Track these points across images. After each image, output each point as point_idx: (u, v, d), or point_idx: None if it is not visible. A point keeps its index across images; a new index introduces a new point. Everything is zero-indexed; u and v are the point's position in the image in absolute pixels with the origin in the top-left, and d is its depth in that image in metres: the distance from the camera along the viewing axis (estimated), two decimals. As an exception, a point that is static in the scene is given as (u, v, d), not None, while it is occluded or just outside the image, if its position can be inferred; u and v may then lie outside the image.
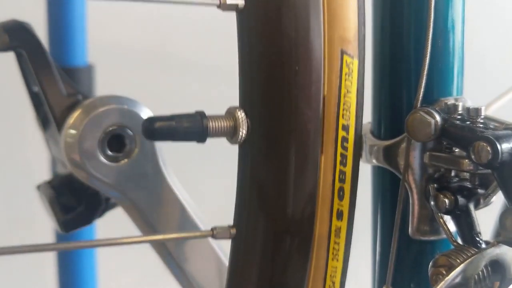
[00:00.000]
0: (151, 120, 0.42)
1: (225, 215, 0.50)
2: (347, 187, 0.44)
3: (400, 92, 0.47)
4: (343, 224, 0.45)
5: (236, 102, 0.44)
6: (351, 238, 0.45)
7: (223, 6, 0.42)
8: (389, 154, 0.47)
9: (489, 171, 0.41)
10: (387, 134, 0.48)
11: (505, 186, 0.40)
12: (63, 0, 0.72)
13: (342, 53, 0.42)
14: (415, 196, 0.46)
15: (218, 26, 0.87)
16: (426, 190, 0.45)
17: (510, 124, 0.43)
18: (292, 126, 0.42)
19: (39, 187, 0.58)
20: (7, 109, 0.96)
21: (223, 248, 0.56)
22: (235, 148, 0.44)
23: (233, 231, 0.44)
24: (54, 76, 0.52)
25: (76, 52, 0.72)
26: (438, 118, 0.43)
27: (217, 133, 0.42)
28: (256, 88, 0.42)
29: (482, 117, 0.43)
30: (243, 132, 0.42)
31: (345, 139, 0.43)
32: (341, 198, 0.44)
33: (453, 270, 0.41)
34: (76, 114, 0.52)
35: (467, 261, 0.41)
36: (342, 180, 0.43)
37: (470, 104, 0.46)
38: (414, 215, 0.46)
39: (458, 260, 0.41)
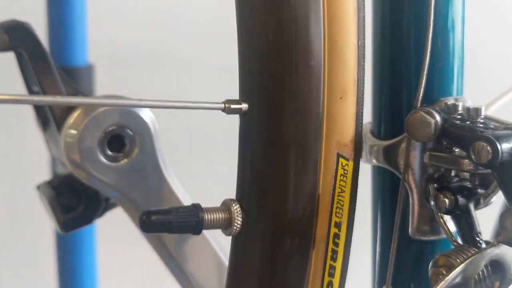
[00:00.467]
0: (148, 213, 0.43)
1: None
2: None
3: (400, 92, 0.47)
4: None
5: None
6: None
7: (228, 110, 0.43)
8: (389, 154, 0.47)
9: (489, 171, 0.41)
10: (387, 134, 0.48)
11: (505, 186, 0.40)
12: (63, 0, 0.72)
13: (338, 156, 0.44)
14: (415, 196, 0.46)
15: (218, 26, 0.87)
16: (426, 190, 0.45)
17: (510, 124, 0.43)
18: (286, 224, 0.43)
19: (39, 187, 0.58)
20: (7, 109, 0.96)
21: (223, 248, 0.56)
22: (235, 148, 0.44)
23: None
24: (54, 76, 0.52)
25: (76, 52, 0.72)
26: (438, 118, 0.43)
27: (213, 226, 0.44)
28: (253, 182, 0.44)
29: (482, 117, 0.43)
30: (237, 225, 0.44)
31: (336, 236, 0.44)
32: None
33: (453, 270, 0.41)
34: (76, 114, 0.52)
35: (467, 261, 0.41)
36: (331, 275, 0.45)
37: (470, 104, 0.46)
38: (414, 215, 0.46)
39: (458, 260, 0.41)
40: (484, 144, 0.40)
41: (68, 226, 0.55)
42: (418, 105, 0.44)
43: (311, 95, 0.42)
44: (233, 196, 0.45)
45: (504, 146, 0.40)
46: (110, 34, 0.99)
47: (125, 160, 0.52)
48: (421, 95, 0.44)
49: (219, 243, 0.56)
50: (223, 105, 0.43)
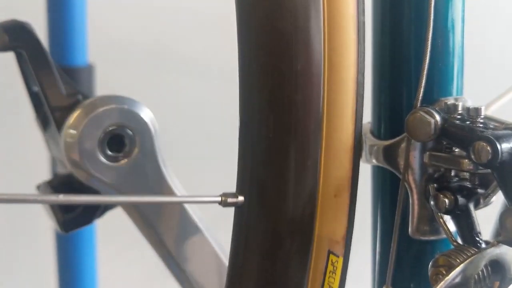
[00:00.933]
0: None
1: (225, 215, 0.50)
2: (346, 198, 0.45)
3: (400, 92, 0.47)
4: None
5: (236, 102, 0.44)
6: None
7: (224, 203, 0.44)
8: (389, 154, 0.47)
9: (489, 171, 0.41)
10: (387, 134, 0.48)
11: (505, 186, 0.40)
12: (63, 0, 0.72)
13: (329, 253, 0.45)
14: (415, 196, 0.46)
15: (218, 26, 0.87)
16: (426, 190, 0.45)
17: (510, 124, 0.43)
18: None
19: (39, 187, 0.58)
20: (7, 109, 0.96)
21: (223, 248, 0.56)
22: (235, 148, 0.44)
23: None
24: (54, 76, 0.52)
25: (76, 52, 0.72)
26: (438, 118, 0.43)
27: None
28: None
29: (482, 117, 0.43)
30: None
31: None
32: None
33: (453, 270, 0.41)
34: (76, 114, 0.52)
35: (467, 261, 0.41)
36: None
37: (470, 104, 0.46)
38: (414, 215, 0.46)
39: (458, 260, 0.41)
40: (484, 144, 0.40)
41: (68, 226, 0.55)
42: (418, 105, 0.44)
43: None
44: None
45: (504, 146, 0.40)
46: (110, 34, 0.99)
47: (125, 160, 0.52)
48: (421, 95, 0.44)
49: (219, 243, 0.56)
50: (220, 198, 0.43)
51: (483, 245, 0.43)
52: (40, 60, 0.52)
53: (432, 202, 0.44)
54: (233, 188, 0.45)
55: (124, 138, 0.52)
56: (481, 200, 0.44)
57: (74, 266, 0.76)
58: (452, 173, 0.45)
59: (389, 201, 0.49)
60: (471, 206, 0.44)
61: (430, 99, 0.46)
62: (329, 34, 0.42)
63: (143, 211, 0.54)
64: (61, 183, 0.56)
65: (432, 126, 0.43)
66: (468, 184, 0.44)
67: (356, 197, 0.45)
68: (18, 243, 1.04)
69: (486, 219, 0.45)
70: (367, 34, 0.44)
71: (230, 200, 0.44)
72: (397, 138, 0.46)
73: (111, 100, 0.52)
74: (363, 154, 0.48)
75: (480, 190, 0.44)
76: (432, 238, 0.47)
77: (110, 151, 0.52)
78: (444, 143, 0.44)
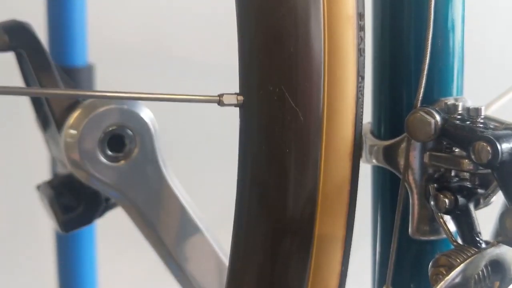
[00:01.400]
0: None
1: (226, 215, 0.50)
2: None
3: (400, 92, 0.47)
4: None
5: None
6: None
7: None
8: (389, 154, 0.47)
9: (489, 171, 0.41)
10: (387, 134, 0.48)
11: (505, 186, 0.40)
12: (63, 0, 0.72)
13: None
14: (415, 196, 0.46)
15: (218, 26, 0.87)
16: (426, 190, 0.45)
17: (510, 124, 0.43)
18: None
19: (39, 187, 0.58)
20: (7, 109, 0.96)
21: (223, 248, 0.56)
22: (235, 148, 0.44)
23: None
24: (54, 76, 0.52)
25: (76, 52, 0.72)
26: (438, 118, 0.43)
27: None
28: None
29: (482, 117, 0.43)
30: None
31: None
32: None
33: (453, 270, 0.41)
34: (76, 114, 0.52)
35: (467, 261, 0.41)
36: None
37: (470, 104, 0.46)
38: (414, 215, 0.46)
39: (458, 260, 0.41)
40: (484, 144, 0.40)
41: (68, 226, 0.55)
42: (418, 105, 0.44)
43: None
44: (233, 196, 0.45)
45: (504, 146, 0.40)
46: (110, 34, 0.99)
47: (125, 160, 0.52)
48: (421, 95, 0.44)
49: (219, 243, 0.56)
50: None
51: (483, 245, 0.43)
52: (40, 60, 0.52)
53: (432, 202, 0.44)
54: (233, 188, 0.45)
55: (124, 138, 0.52)
56: (481, 200, 0.44)
57: (74, 266, 0.76)
58: (452, 173, 0.45)
59: (389, 201, 0.49)
60: (471, 206, 0.44)
61: (430, 99, 0.46)
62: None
63: (143, 211, 0.54)
64: (61, 183, 0.56)
65: (432, 126, 0.43)
66: (468, 184, 0.44)
67: (356, 197, 0.45)
68: (18, 243, 1.04)
69: (486, 219, 0.45)
70: (367, 34, 0.44)
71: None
72: (397, 138, 0.46)
73: (111, 100, 0.52)
74: (363, 154, 0.48)
75: (480, 190, 0.44)
76: (432, 238, 0.47)
77: (110, 151, 0.52)
78: (444, 143, 0.44)
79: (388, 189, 0.49)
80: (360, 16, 0.43)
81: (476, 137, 0.41)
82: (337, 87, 0.43)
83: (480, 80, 0.81)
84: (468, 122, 0.43)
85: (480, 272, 0.42)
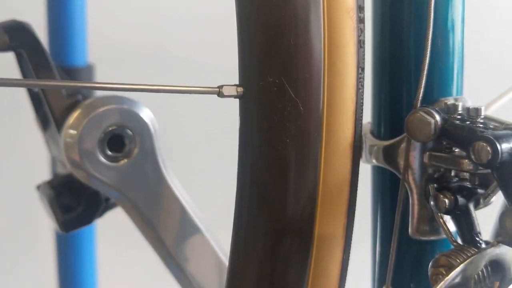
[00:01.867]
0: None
1: (226, 215, 0.50)
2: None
3: (400, 92, 0.47)
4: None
5: (235, 102, 0.44)
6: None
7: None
8: (389, 154, 0.47)
9: (489, 171, 0.41)
10: (387, 134, 0.48)
11: (505, 186, 0.40)
12: (63, 0, 0.72)
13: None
14: (415, 196, 0.46)
15: (217, 26, 0.87)
16: (426, 190, 0.45)
17: (510, 124, 0.43)
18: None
19: (39, 187, 0.58)
20: (7, 109, 0.96)
21: (223, 248, 0.56)
22: (235, 148, 0.44)
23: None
24: (54, 76, 0.52)
25: (76, 52, 0.72)
26: (438, 118, 0.43)
27: None
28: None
29: (482, 117, 0.43)
30: None
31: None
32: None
33: (453, 270, 0.41)
34: (76, 114, 0.52)
35: (467, 261, 0.41)
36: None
37: (470, 104, 0.46)
38: (414, 215, 0.46)
39: (458, 260, 0.41)
40: (484, 144, 0.40)
41: (68, 226, 0.55)
42: (418, 105, 0.44)
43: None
44: (233, 196, 0.45)
45: (504, 146, 0.40)
46: (110, 34, 0.99)
47: (125, 160, 0.52)
48: (421, 95, 0.44)
49: (219, 243, 0.56)
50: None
51: (483, 245, 0.43)
52: (40, 60, 0.52)
53: (432, 202, 0.44)
54: (233, 188, 0.45)
55: (124, 138, 0.52)
56: (481, 200, 0.44)
57: (74, 266, 0.76)
58: (452, 173, 0.45)
59: (389, 201, 0.49)
60: (471, 206, 0.44)
61: (430, 99, 0.46)
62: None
63: (143, 211, 0.54)
64: (61, 183, 0.56)
65: (432, 126, 0.43)
66: (468, 184, 0.44)
67: (356, 197, 0.45)
68: (18, 243, 1.04)
69: (486, 219, 0.45)
70: (367, 34, 0.44)
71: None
72: (397, 138, 0.46)
73: (111, 100, 0.52)
74: (363, 154, 0.48)
75: (480, 190, 0.44)
76: (432, 238, 0.47)
77: (110, 151, 0.52)
78: (444, 143, 0.44)
79: (388, 189, 0.49)
80: (360, 8, 0.43)
81: (476, 137, 0.41)
82: (337, 78, 0.43)
83: (480, 80, 0.81)
84: (468, 122, 0.43)
85: (480, 272, 0.42)
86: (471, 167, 0.43)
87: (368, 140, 0.49)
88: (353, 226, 0.45)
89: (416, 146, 0.45)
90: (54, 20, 0.72)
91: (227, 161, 0.60)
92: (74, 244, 0.75)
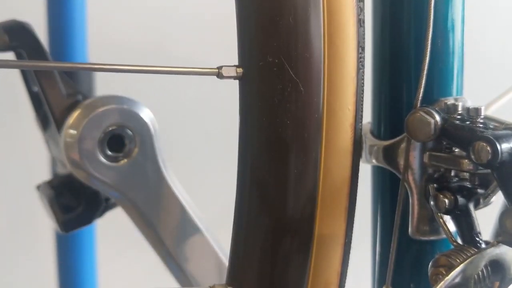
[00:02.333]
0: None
1: (226, 215, 0.50)
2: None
3: (400, 92, 0.47)
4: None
5: (235, 102, 0.44)
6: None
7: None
8: (389, 154, 0.47)
9: (489, 171, 0.41)
10: (387, 134, 0.48)
11: (505, 186, 0.40)
12: (63, 0, 0.72)
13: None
14: (415, 196, 0.46)
15: (217, 26, 0.87)
16: (426, 190, 0.45)
17: (510, 124, 0.43)
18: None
19: (39, 187, 0.58)
20: (7, 109, 0.96)
21: (223, 248, 0.56)
22: (235, 148, 0.44)
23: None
24: (54, 76, 0.52)
25: (76, 52, 0.72)
26: (438, 118, 0.43)
27: None
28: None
29: (482, 117, 0.43)
30: None
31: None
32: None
33: (453, 270, 0.41)
34: (76, 114, 0.52)
35: (467, 261, 0.41)
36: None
37: (470, 104, 0.46)
38: (414, 215, 0.46)
39: (458, 260, 0.41)
40: (484, 144, 0.40)
41: (68, 226, 0.55)
42: (418, 105, 0.44)
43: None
44: (233, 196, 0.45)
45: (504, 146, 0.40)
46: (110, 34, 0.99)
47: (125, 160, 0.52)
48: (421, 95, 0.44)
49: (219, 243, 0.56)
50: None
51: (483, 245, 0.43)
52: (40, 60, 0.52)
53: (432, 202, 0.45)
54: (233, 188, 0.45)
55: (124, 138, 0.52)
56: (481, 200, 0.44)
57: (74, 266, 0.76)
58: (452, 173, 0.45)
59: (389, 201, 0.49)
60: (471, 206, 0.44)
61: (430, 99, 0.46)
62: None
63: (143, 211, 0.54)
64: (61, 183, 0.56)
65: (432, 126, 0.43)
66: (468, 184, 0.44)
67: (356, 197, 0.45)
68: (18, 243, 1.04)
69: (486, 219, 0.45)
70: (367, 34, 0.44)
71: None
72: (397, 138, 0.46)
73: (111, 100, 0.52)
74: (363, 154, 0.48)
75: (480, 190, 0.44)
76: (432, 238, 0.47)
77: (110, 151, 0.52)
78: (444, 143, 0.44)
79: (388, 189, 0.49)
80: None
81: (476, 137, 0.41)
82: (337, 57, 0.42)
83: (480, 80, 0.81)
84: (468, 122, 0.43)
85: (480, 272, 0.42)
86: (471, 167, 0.43)
87: (368, 140, 0.49)
88: (353, 226, 0.45)
89: (416, 146, 0.45)
90: (54, 20, 0.72)
91: (227, 161, 0.60)
92: (74, 244, 0.75)
